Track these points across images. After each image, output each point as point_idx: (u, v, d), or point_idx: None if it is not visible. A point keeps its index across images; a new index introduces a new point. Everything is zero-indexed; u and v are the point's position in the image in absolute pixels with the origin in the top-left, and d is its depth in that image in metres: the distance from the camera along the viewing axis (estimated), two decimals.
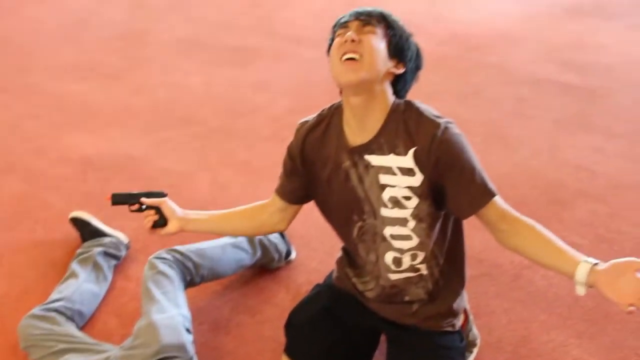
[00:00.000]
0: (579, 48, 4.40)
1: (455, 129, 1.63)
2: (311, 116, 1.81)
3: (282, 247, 2.46)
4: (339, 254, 2.01)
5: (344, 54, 1.58)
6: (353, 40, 1.57)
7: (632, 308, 1.44)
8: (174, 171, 3.07)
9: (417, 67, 1.71)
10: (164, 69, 4.13)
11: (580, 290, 1.55)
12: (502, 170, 3.05)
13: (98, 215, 2.64)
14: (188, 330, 2.00)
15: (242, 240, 2.37)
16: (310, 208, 2.71)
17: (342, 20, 1.65)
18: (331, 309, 1.95)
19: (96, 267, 2.37)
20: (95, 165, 3.11)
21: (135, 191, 2.03)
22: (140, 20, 4.87)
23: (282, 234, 2.50)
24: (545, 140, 3.31)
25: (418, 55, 1.71)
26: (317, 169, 1.78)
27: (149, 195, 2.01)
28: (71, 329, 2.09)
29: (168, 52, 4.37)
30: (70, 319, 2.14)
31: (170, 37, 4.59)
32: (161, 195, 2.03)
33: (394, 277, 1.79)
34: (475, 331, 2.10)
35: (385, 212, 1.70)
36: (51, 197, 2.88)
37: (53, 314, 2.11)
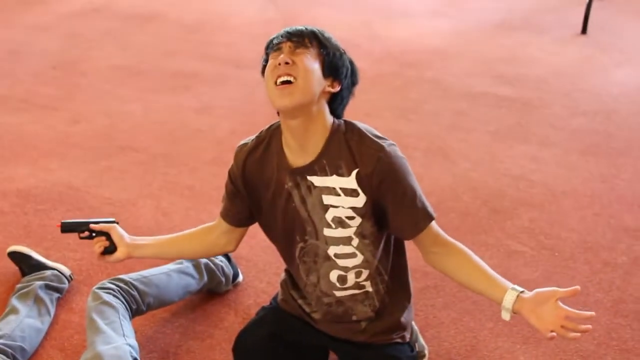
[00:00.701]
0: (511, 61, 4.53)
1: (397, 151, 1.66)
2: (249, 138, 1.81)
3: (229, 271, 2.44)
4: (282, 276, 2.01)
5: (278, 77, 1.58)
6: (287, 63, 1.58)
7: (552, 334, 1.55)
8: (116, 199, 3.02)
9: (353, 82, 1.73)
10: (101, 97, 4.08)
11: (506, 316, 1.65)
12: (444, 182, 3.11)
13: (38, 249, 2.58)
14: None
15: (188, 266, 2.34)
16: (256, 230, 2.71)
17: (275, 42, 1.65)
18: (278, 332, 1.94)
19: (38, 301, 2.30)
20: (33, 197, 3.03)
21: (84, 219, 2.01)
22: (75, 50, 4.80)
23: (228, 257, 2.48)
24: (484, 152, 3.38)
25: (353, 71, 1.72)
26: (260, 190, 1.78)
27: (98, 222, 1.98)
28: None
29: (105, 80, 4.31)
30: (11, 357, 2.07)
31: (106, 65, 4.53)
32: (111, 222, 2.00)
33: (339, 293, 1.80)
34: (422, 342, 2.13)
35: (328, 232, 1.71)
36: None
37: None
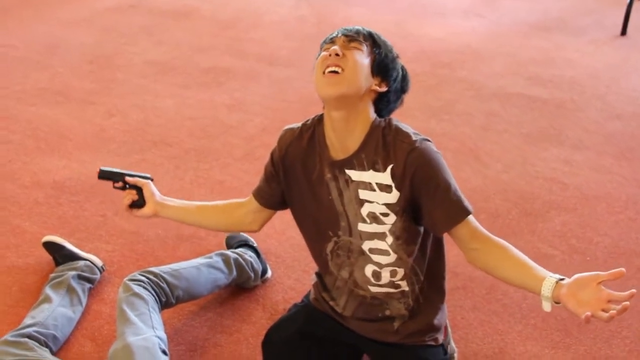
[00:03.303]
0: (545, 63, 4.48)
1: (431, 146, 1.65)
2: (296, 125, 1.81)
3: (258, 266, 2.46)
4: (314, 278, 2.01)
5: (327, 67, 1.61)
6: (337, 54, 1.60)
7: (588, 313, 1.46)
8: None
9: (402, 89, 1.74)
10: (135, 92, 4.13)
11: (546, 306, 1.58)
12: (474, 184, 3.09)
13: (71, 239, 2.62)
14: (164, 352, 1.98)
15: (217, 260, 2.36)
16: (285, 227, 2.72)
17: (330, 36, 1.69)
18: (309, 329, 1.95)
19: (70, 290, 2.34)
20: (68, 189, 3.08)
21: (121, 170, 2.06)
22: (111, 44, 4.86)
23: (257, 253, 2.50)
24: (516, 154, 3.35)
25: (404, 78, 1.75)
26: (298, 178, 1.79)
27: (134, 176, 2.03)
28: (44, 354, 2.05)
29: (139, 75, 4.36)
30: (44, 344, 2.11)
31: (141, 60, 4.59)
32: (146, 178, 2.04)
33: (373, 289, 1.80)
34: (453, 345, 2.11)
35: (363, 227, 1.72)
36: (23, 222, 2.85)
37: (26, 340, 2.07)
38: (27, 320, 2.18)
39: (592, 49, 4.71)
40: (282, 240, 2.72)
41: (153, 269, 2.22)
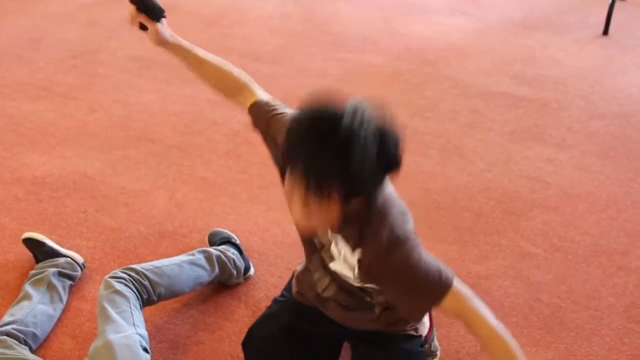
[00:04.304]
0: (530, 61, 4.49)
1: (408, 254, 1.54)
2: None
3: (240, 264, 2.45)
4: (300, 267, 2.00)
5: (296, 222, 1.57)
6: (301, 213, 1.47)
7: None
8: (130, 189, 3.03)
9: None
10: (118, 87, 4.09)
11: None
12: (459, 181, 3.09)
13: (52, 236, 2.60)
14: (145, 350, 1.97)
15: (199, 258, 2.35)
16: (269, 224, 2.71)
17: (293, 164, 1.43)
18: (292, 324, 1.95)
19: (50, 288, 2.32)
20: (48, 185, 3.05)
21: None
22: (94, 39, 4.82)
23: (240, 250, 2.49)
24: (500, 152, 3.36)
25: (389, 164, 1.46)
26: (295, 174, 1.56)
27: (153, 8, 1.98)
28: (24, 352, 2.03)
29: (122, 70, 4.33)
30: (24, 342, 2.09)
31: (124, 55, 4.55)
32: (160, 13, 2.00)
33: (355, 282, 1.79)
34: (436, 342, 2.12)
35: (333, 264, 1.74)
36: (2, 218, 2.81)
37: (4, 337, 2.05)
38: (7, 318, 2.16)
39: (576, 49, 4.74)
40: (265, 237, 2.71)
41: (135, 266, 2.20)
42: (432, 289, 1.56)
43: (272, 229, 2.76)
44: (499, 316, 2.29)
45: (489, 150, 3.39)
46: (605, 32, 4.96)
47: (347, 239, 1.61)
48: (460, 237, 2.72)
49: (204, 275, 2.33)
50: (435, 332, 2.12)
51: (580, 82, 4.18)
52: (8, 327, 2.10)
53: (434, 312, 2.14)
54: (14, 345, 2.04)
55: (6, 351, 2.01)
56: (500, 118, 3.72)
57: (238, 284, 2.47)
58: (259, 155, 3.20)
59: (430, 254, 1.59)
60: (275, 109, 1.79)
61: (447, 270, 1.56)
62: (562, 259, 2.61)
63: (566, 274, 2.53)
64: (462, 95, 4.00)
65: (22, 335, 2.10)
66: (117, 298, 2.08)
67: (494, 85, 4.12)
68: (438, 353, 2.12)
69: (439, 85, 4.15)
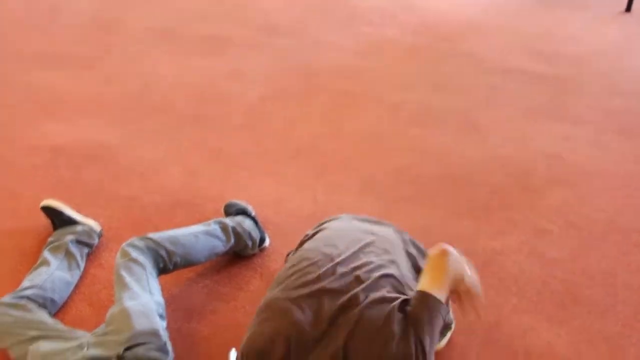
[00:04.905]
0: (549, 38, 4.45)
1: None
2: None
3: (256, 235, 2.46)
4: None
5: None
6: None
7: None
8: (145, 159, 3.05)
9: None
10: (135, 58, 4.10)
11: None
12: (475, 157, 3.08)
13: (70, 204, 2.61)
14: (161, 317, 1.99)
15: (215, 228, 2.36)
16: (283, 196, 2.72)
17: None
18: None
19: (68, 255, 2.35)
20: (66, 154, 3.07)
21: None
22: (112, 10, 4.82)
23: (255, 222, 2.50)
24: (517, 128, 3.34)
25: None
26: None
27: None
28: (43, 316, 2.06)
29: (140, 41, 4.33)
30: (42, 306, 2.12)
31: (142, 26, 4.55)
32: None
33: None
34: (451, 315, 2.13)
35: None
36: (21, 186, 2.84)
37: (24, 302, 2.08)
38: (26, 283, 2.19)
39: (597, 25, 4.68)
40: (279, 209, 2.72)
41: (151, 235, 2.22)
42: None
43: (286, 201, 2.77)
44: (513, 291, 2.30)
45: (506, 126, 3.37)
46: (628, 8, 4.89)
47: None
48: (476, 213, 2.72)
49: (220, 245, 2.35)
50: (450, 305, 2.12)
51: (599, 59, 4.13)
52: (27, 292, 2.13)
53: None
54: (34, 310, 2.07)
55: (26, 315, 2.04)
56: (518, 94, 3.69)
57: (253, 255, 2.48)
58: (274, 129, 3.20)
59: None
60: None
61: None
62: (577, 236, 2.60)
63: (581, 251, 2.53)
64: (479, 71, 3.97)
65: (41, 300, 2.13)
66: (134, 266, 2.10)
67: (512, 62, 4.09)
68: (453, 325, 2.13)
69: (456, 60, 4.12)
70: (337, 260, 1.71)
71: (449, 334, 2.11)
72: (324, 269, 1.68)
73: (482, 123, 3.39)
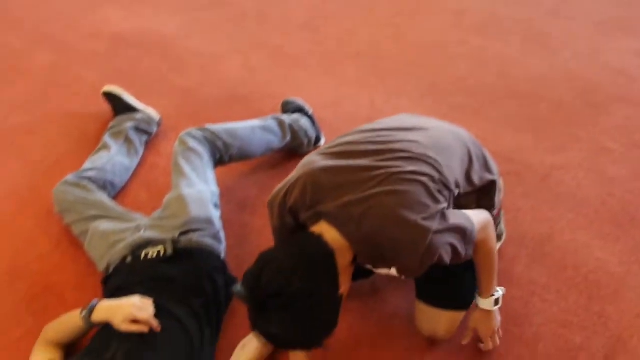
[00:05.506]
0: None
1: (432, 247, 1.48)
2: None
3: (312, 133, 2.46)
4: None
5: None
6: None
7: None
8: (205, 52, 3.03)
9: None
10: None
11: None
12: (539, 71, 2.98)
13: (129, 92, 2.64)
14: (216, 206, 2.03)
15: (272, 124, 2.36)
16: (342, 98, 2.69)
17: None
18: None
19: (128, 141, 2.39)
20: (126, 41, 3.08)
21: None
22: None
23: (312, 120, 2.49)
24: (586, 43, 3.21)
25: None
26: None
27: None
28: (103, 197, 2.13)
29: None
30: (103, 188, 2.19)
31: None
32: None
33: None
34: (502, 225, 2.12)
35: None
36: (82, 72, 2.87)
37: (86, 182, 2.15)
38: (87, 165, 2.25)
39: None
40: (337, 111, 2.70)
41: (209, 126, 2.24)
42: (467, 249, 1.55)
43: (344, 102, 2.75)
44: (569, 207, 2.27)
45: (574, 40, 3.23)
46: None
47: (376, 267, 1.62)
48: (537, 127, 2.65)
49: (275, 141, 2.35)
50: (502, 216, 2.11)
51: None
52: (89, 173, 2.19)
53: (501, 195, 2.13)
54: (94, 190, 2.14)
55: (87, 195, 2.11)
56: (589, 7, 3.52)
57: (308, 152, 2.48)
58: (336, 30, 3.13)
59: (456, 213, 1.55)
60: None
61: (471, 225, 1.54)
62: (639, 156, 2.53)
63: None
64: None
65: (101, 182, 2.19)
66: (192, 155, 2.13)
67: None
68: (504, 236, 2.13)
69: None
70: (378, 131, 1.65)
71: (499, 244, 2.11)
72: (359, 135, 1.64)
73: (549, 35, 3.26)
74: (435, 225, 1.44)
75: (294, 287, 1.35)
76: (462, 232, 1.50)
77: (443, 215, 1.48)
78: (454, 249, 1.49)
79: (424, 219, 1.43)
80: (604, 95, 2.84)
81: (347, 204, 1.46)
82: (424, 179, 1.48)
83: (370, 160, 1.52)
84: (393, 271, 1.59)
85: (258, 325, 1.41)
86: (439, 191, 1.50)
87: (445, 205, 1.51)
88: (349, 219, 1.46)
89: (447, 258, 1.49)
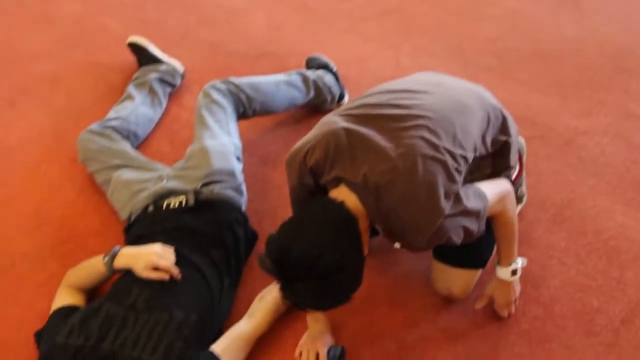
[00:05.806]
0: None
1: (442, 227, 1.48)
2: None
3: (336, 90, 2.44)
4: None
5: None
6: None
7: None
8: (229, 7, 3.02)
9: None
10: None
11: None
12: (570, 33, 2.92)
13: (155, 44, 2.64)
14: (238, 159, 2.05)
15: (296, 79, 2.36)
16: (368, 55, 2.66)
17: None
18: None
19: (152, 92, 2.40)
20: None
21: None
22: None
23: (336, 77, 2.48)
24: (620, 6, 3.13)
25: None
26: None
27: None
28: (126, 147, 2.15)
29: None
30: (126, 137, 2.20)
31: None
32: None
33: None
34: (524, 188, 2.11)
35: None
36: (109, 22, 2.87)
37: (110, 131, 2.17)
38: (111, 114, 2.27)
39: None
40: (361, 68, 2.68)
41: (233, 79, 2.24)
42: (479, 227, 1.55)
43: (369, 60, 2.72)
44: (591, 172, 2.25)
45: (609, 3, 3.15)
46: None
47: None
48: (563, 90, 2.61)
49: (299, 96, 2.35)
50: (524, 178, 2.10)
51: None
52: (113, 122, 2.21)
53: (523, 158, 2.11)
54: (118, 139, 2.16)
55: (111, 144, 2.13)
56: None
57: (332, 109, 2.48)
58: None
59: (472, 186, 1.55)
60: None
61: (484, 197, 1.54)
62: None
63: None
64: None
65: (125, 132, 2.21)
66: (215, 108, 2.14)
67: None
68: (524, 199, 2.12)
69: None
70: (399, 92, 1.63)
71: (520, 207, 2.10)
72: (380, 96, 1.63)
73: None
74: (447, 209, 1.45)
75: (324, 261, 1.37)
76: (475, 214, 1.51)
77: (457, 199, 1.48)
78: (465, 229, 1.51)
79: (438, 202, 1.44)
80: (636, 60, 2.78)
81: (368, 174, 1.46)
82: (444, 157, 1.47)
83: (392, 129, 1.51)
84: (397, 245, 1.61)
85: (286, 293, 1.43)
86: (457, 169, 1.49)
87: (460, 183, 1.51)
88: (368, 190, 1.46)
89: (457, 239, 1.51)
